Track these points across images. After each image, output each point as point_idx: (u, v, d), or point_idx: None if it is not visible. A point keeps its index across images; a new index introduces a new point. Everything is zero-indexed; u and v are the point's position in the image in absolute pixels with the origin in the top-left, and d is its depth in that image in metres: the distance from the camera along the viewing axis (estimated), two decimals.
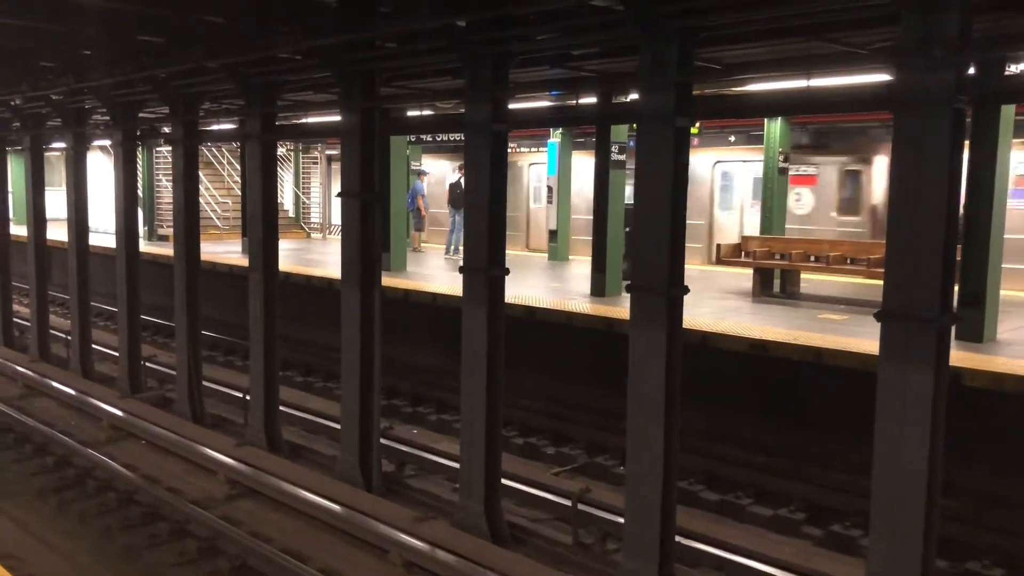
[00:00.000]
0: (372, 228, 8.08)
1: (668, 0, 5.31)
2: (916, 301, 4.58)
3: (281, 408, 9.74)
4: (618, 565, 6.38)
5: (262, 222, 9.30)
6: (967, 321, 9.38)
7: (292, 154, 25.69)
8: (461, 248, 9.19)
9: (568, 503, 7.52)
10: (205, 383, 10.92)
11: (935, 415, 4.60)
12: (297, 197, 25.60)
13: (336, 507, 7.39)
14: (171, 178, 12.26)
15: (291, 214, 25.06)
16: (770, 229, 14.79)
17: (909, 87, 4.52)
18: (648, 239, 5.84)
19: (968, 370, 7.95)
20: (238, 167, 22.51)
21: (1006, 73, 8.63)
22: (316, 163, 25.79)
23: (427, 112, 15.52)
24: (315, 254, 19.26)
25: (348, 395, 8.26)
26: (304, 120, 14.96)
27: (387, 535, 6.83)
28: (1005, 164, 9.56)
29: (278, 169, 9.72)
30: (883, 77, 6.31)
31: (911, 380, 4.60)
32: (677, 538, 6.28)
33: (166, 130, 11.62)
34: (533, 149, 21.44)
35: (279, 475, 8.12)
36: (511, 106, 7.46)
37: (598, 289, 12.86)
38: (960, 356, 8.36)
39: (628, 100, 12.64)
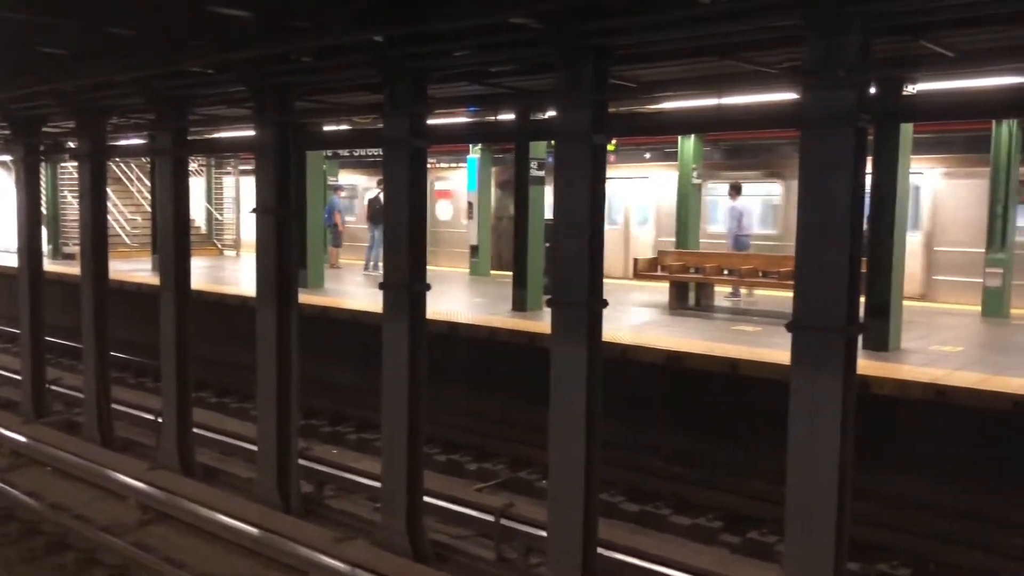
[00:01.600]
0: (288, 245, 7.95)
1: (583, 19, 5.39)
2: (824, 312, 4.73)
3: (195, 430, 9.47)
4: None
5: (173, 239, 9.05)
6: (873, 331, 9.75)
7: (204, 169, 25.11)
8: (381, 264, 9.13)
9: (491, 519, 7.51)
10: (115, 406, 10.54)
11: (844, 422, 4.75)
12: (210, 213, 25.03)
13: (254, 530, 7.22)
14: (77, 194, 11.85)
15: (203, 230, 24.49)
16: (685, 244, 15.12)
17: (814, 106, 4.69)
18: (567, 254, 5.90)
19: (875, 378, 8.25)
20: (148, 182, 21.90)
21: (904, 93, 9.00)
22: (230, 177, 25.26)
23: (344, 127, 15.38)
24: (228, 271, 18.85)
25: (265, 415, 8.09)
26: (217, 135, 14.66)
27: (307, 557, 6.70)
28: (905, 180, 10.00)
29: (190, 184, 9.48)
30: (792, 96, 6.54)
31: (821, 388, 4.75)
32: (599, 550, 6.32)
33: (72, 145, 11.24)
34: (452, 165, 21.45)
35: (193, 499, 7.89)
36: (430, 121, 7.46)
37: (519, 304, 12.92)
38: (867, 365, 8.67)
39: (546, 117, 12.77)
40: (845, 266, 4.67)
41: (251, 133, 8.14)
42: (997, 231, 12.41)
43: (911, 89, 9.34)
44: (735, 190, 14.99)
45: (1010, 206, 12.37)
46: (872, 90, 8.75)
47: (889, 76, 8.17)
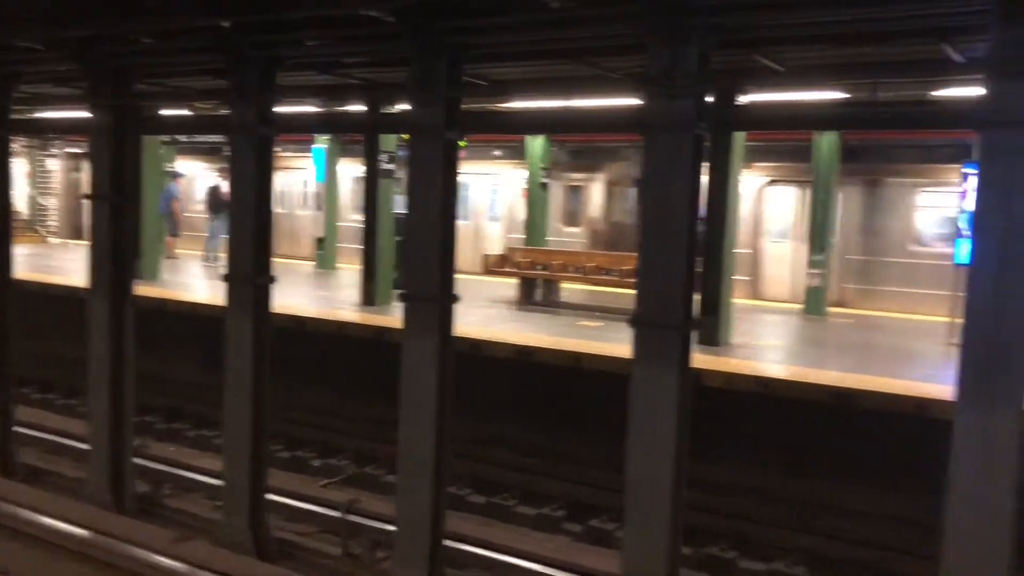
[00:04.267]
0: (123, 233, 7.59)
1: (438, 17, 5.43)
2: (663, 309, 4.99)
3: (17, 429, 8.88)
4: (388, 573, 6.40)
5: None
6: (706, 327, 10.29)
7: (27, 151, 23.42)
8: (221, 255, 8.84)
9: (337, 514, 7.44)
10: None
11: (680, 412, 5.03)
12: (32, 198, 23.38)
13: (84, 532, 6.85)
14: None
15: (26, 216, 22.86)
16: (534, 240, 15.43)
17: (656, 113, 4.94)
18: (420, 248, 5.94)
19: (706, 371, 8.72)
20: None
21: (737, 103, 9.53)
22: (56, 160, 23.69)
23: (185, 112, 14.73)
24: (54, 260, 17.70)
25: (97, 412, 7.69)
26: (44, 115, 13.70)
27: (142, 558, 6.42)
28: (736, 186, 10.61)
29: (11, 167, 8.85)
30: (637, 101, 6.82)
31: (659, 381, 5.01)
32: (447, 542, 6.40)
33: None
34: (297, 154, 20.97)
35: (15, 501, 7.40)
36: (277, 109, 7.30)
37: (368, 298, 12.80)
38: (700, 359, 9.15)
39: (397, 110, 12.70)
40: (682, 266, 4.95)
41: (82, 114, 7.69)
42: (818, 235, 13.36)
43: (744, 100, 9.92)
44: None
45: (829, 212, 13.35)
46: (710, 99, 9.28)
47: (725, 87, 8.63)
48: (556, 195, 17.58)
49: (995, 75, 4.06)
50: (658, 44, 4.86)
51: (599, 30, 5.50)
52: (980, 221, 4.15)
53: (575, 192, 17.69)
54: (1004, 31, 4.01)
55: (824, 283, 13.36)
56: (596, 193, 17.37)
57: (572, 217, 17.72)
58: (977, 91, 4.35)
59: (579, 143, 18.14)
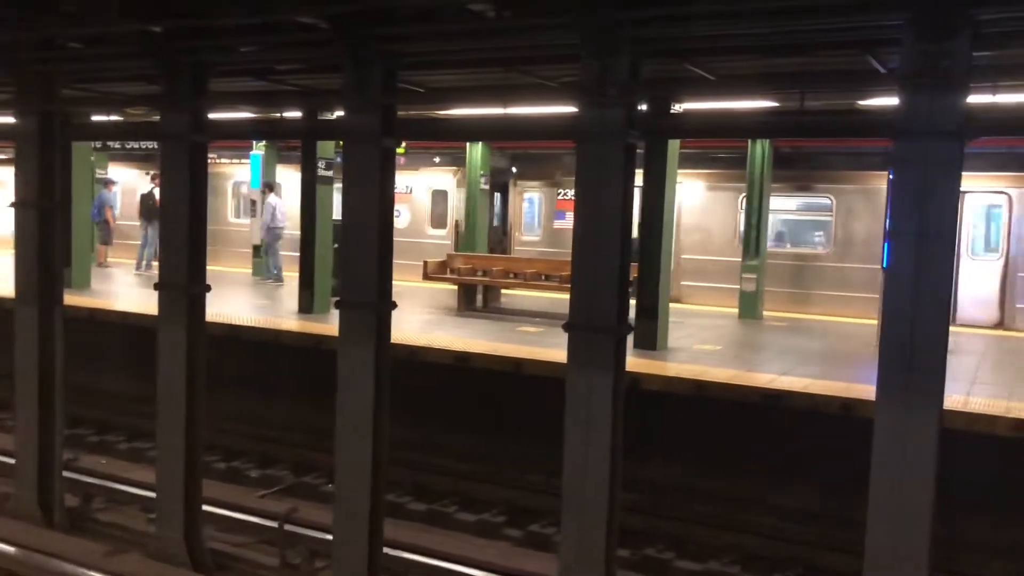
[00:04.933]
0: (52, 241, 7.43)
1: (371, 24, 5.45)
2: (597, 312, 5.08)
3: None
4: None
5: None
6: (644, 331, 10.45)
7: None
8: (155, 263, 8.68)
9: (275, 524, 7.37)
10: None
11: (615, 414, 5.12)
12: None
13: (10, 548, 6.68)
14: None
15: None
16: (473, 247, 15.47)
17: (588, 121, 5.02)
18: (356, 255, 5.93)
19: (645, 375, 8.85)
20: None
21: (671, 111, 9.72)
22: None
23: (117, 118, 14.44)
24: None
25: (24, 425, 7.51)
26: None
27: (73, 574, 6.29)
28: (672, 192, 10.79)
29: None
30: (573, 110, 6.92)
31: (594, 383, 5.09)
32: (386, 550, 6.39)
33: None
34: (234, 161, 20.68)
35: None
36: (212, 115, 7.22)
37: (306, 306, 12.69)
38: (638, 363, 9.30)
39: (334, 117, 12.64)
40: (616, 271, 5.04)
41: (10, 120, 7.51)
42: (752, 241, 13.66)
43: (679, 108, 10.12)
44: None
45: (762, 218, 13.65)
46: (644, 107, 9.45)
47: (657, 96, 8.79)
48: (423, 199, 18.26)
49: (906, 87, 4.23)
50: (589, 55, 4.95)
51: (533, 39, 5.58)
52: (895, 226, 4.32)
53: (442, 196, 18.34)
54: (914, 45, 4.18)
55: (759, 287, 13.65)
56: (459, 197, 18.02)
57: (439, 220, 18.41)
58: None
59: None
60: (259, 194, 17.44)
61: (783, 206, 15.23)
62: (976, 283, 13.63)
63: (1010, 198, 13.56)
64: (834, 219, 14.67)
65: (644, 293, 10.61)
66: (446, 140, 16.44)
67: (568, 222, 16.47)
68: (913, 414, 4.27)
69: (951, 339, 4.48)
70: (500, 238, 18.94)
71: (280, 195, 17.47)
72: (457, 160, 17.84)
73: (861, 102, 9.08)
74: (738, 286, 13.85)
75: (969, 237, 13.85)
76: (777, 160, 13.99)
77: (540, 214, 17.42)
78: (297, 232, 13.21)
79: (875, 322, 10.57)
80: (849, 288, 14.30)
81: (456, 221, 17.91)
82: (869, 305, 12.45)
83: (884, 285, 4.36)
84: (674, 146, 10.65)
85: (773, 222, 14.72)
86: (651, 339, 10.44)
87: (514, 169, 18.30)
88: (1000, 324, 13.59)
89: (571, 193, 16.24)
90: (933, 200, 4.19)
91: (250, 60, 6.98)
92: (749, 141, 13.43)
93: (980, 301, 13.66)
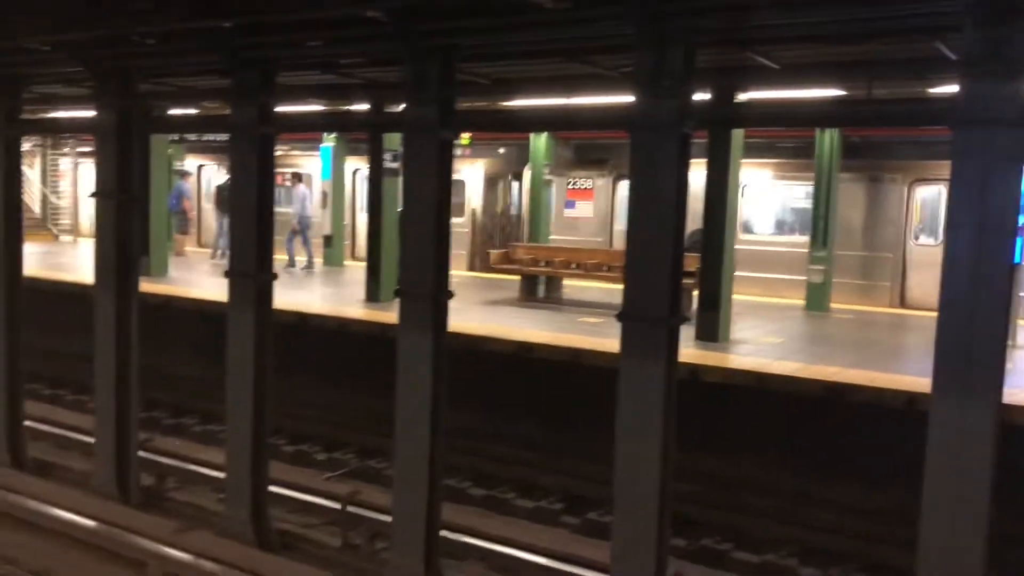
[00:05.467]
0: (129, 230, 7.74)
1: (429, 18, 5.55)
2: (650, 303, 5.10)
3: (27, 423, 9.06)
4: (386, 563, 6.53)
5: (4, 223, 8.62)
6: (706, 323, 10.39)
7: (39, 150, 23.66)
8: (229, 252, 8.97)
9: (338, 506, 7.58)
10: None
11: (667, 405, 5.14)
12: (45, 196, 23.62)
13: (90, 523, 7.03)
14: None
15: (38, 214, 23.10)
16: (536, 237, 15.55)
17: (643, 111, 5.04)
18: (415, 246, 6.07)
19: (705, 367, 8.81)
20: None
21: (735, 101, 9.62)
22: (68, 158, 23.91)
23: (192, 111, 14.91)
24: (65, 258, 17.92)
25: (103, 407, 7.86)
26: (54, 115, 13.90)
27: (146, 548, 6.59)
28: (736, 183, 10.68)
29: (23, 166, 9.02)
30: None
31: (646, 374, 5.12)
32: (445, 533, 6.53)
33: None
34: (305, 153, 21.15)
35: (25, 493, 7.58)
36: (280, 108, 7.42)
37: (373, 294, 12.94)
38: (699, 355, 9.26)
39: (399, 109, 12.81)
40: (669, 261, 5.05)
41: (91, 114, 7.85)
42: (820, 231, 13.41)
43: (744, 97, 10.00)
44: None
45: (831, 208, 13.40)
46: (707, 96, 9.35)
47: (721, 85, 8.71)
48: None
49: (967, 74, 4.15)
50: (643, 45, 4.96)
51: (588, 31, 5.60)
52: (954, 216, 4.24)
53: (459, 186, 18.44)
54: (975, 31, 4.10)
55: (827, 279, 13.40)
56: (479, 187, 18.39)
57: (457, 208, 18.42)
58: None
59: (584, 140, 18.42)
60: (329, 185, 17.83)
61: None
62: None
63: None
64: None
65: (706, 284, 10.53)
66: (503, 131, 16.53)
67: (576, 211, 17.55)
68: (970, 407, 4.20)
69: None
70: (512, 225, 19.33)
71: (309, 186, 18.01)
72: (478, 152, 18.14)
73: (931, 90, 8.86)
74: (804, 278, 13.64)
75: None
76: (846, 149, 13.71)
77: (553, 203, 17.85)
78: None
79: None
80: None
81: (473, 209, 18.37)
82: None
83: (942, 276, 4.28)
84: (738, 136, 10.53)
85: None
86: (712, 331, 10.36)
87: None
88: None
89: (579, 183, 17.26)
90: (994, 190, 4.10)
91: (315, 54, 7.15)
92: (816, 130, 13.19)
93: None
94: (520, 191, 18.94)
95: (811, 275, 13.47)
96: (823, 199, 13.35)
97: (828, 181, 13.33)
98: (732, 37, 6.17)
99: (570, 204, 17.52)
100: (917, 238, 14.57)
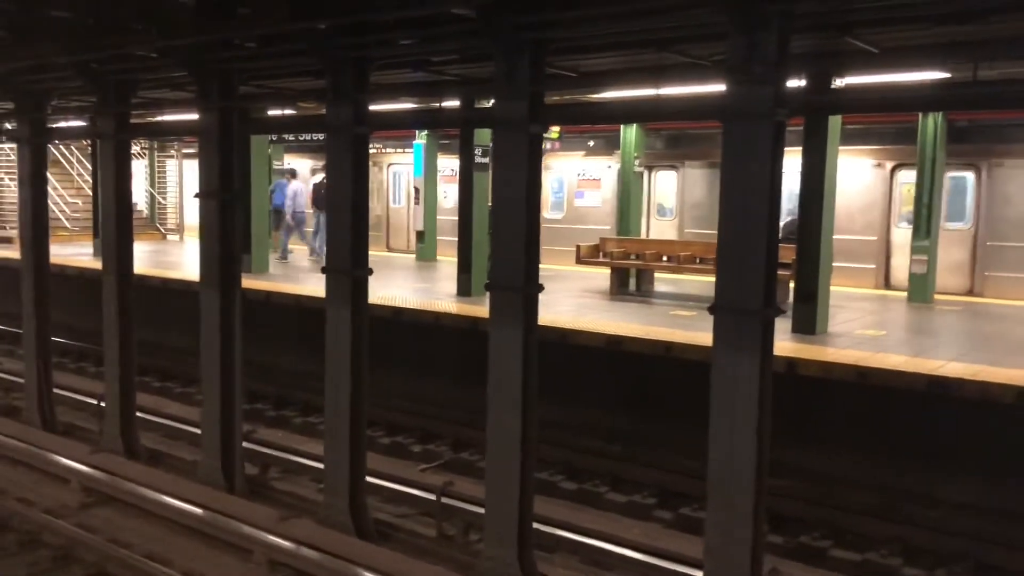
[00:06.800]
0: (231, 229, 8.03)
1: (518, 12, 5.57)
2: (743, 295, 5.01)
3: (138, 414, 9.50)
4: (480, 553, 6.62)
5: (116, 223, 9.05)
6: (802, 315, 10.15)
7: (147, 152, 24.73)
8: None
9: (432, 497, 7.71)
10: (56, 391, 10.49)
11: (762, 398, 5.04)
12: (152, 197, 24.68)
13: (198, 510, 7.33)
14: (15, 177, 11.68)
15: (146, 214, 24.16)
16: (627, 231, 15.43)
17: (735, 100, 4.95)
18: (505, 240, 6.11)
19: (801, 360, 8.61)
20: (88, 165, 21.51)
21: (832, 87, 9.34)
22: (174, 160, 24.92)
23: (289, 112, 15.35)
24: (172, 256, 18.69)
25: (209, 398, 8.18)
26: (160, 118, 14.50)
27: (251, 535, 6.83)
28: (833, 171, 10.37)
29: (132, 168, 9.46)
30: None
31: (740, 366, 5.03)
32: (537, 525, 6.57)
33: (9, 127, 11.09)
34: (397, 150, 21.50)
35: (137, 480, 7.96)
36: (373, 107, 7.57)
37: (464, 289, 13.08)
38: (795, 347, 9.05)
39: (489, 105, 12.91)
40: (763, 252, 4.95)
41: (195, 117, 8.17)
42: (923, 220, 12.92)
43: (841, 83, 9.72)
44: None
45: (934, 197, 12.89)
46: (803, 83, 9.12)
47: (817, 72, 8.48)
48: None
49: None
50: (736, 32, 4.87)
51: (679, 19, 5.53)
52: None
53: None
54: None
55: (930, 269, 12.91)
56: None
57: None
58: None
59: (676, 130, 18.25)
60: (421, 182, 18.10)
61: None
62: None
63: None
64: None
65: (802, 276, 10.28)
66: (593, 123, 16.43)
67: (586, 200, 17.99)
68: None
69: None
70: None
71: (304, 182, 18.59)
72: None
73: None
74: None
75: None
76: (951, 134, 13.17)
77: (566, 193, 18.23)
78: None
79: None
80: None
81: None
82: None
83: None
84: (835, 123, 10.24)
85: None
86: (810, 323, 10.11)
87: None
88: None
89: (589, 174, 17.78)
90: None
91: (408, 52, 7.26)
92: (920, 115, 12.70)
93: None
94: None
95: (914, 266, 13.00)
96: (926, 188, 12.85)
97: (932, 169, 12.82)
98: (826, 22, 6.01)
99: (579, 194, 18.13)
100: None
